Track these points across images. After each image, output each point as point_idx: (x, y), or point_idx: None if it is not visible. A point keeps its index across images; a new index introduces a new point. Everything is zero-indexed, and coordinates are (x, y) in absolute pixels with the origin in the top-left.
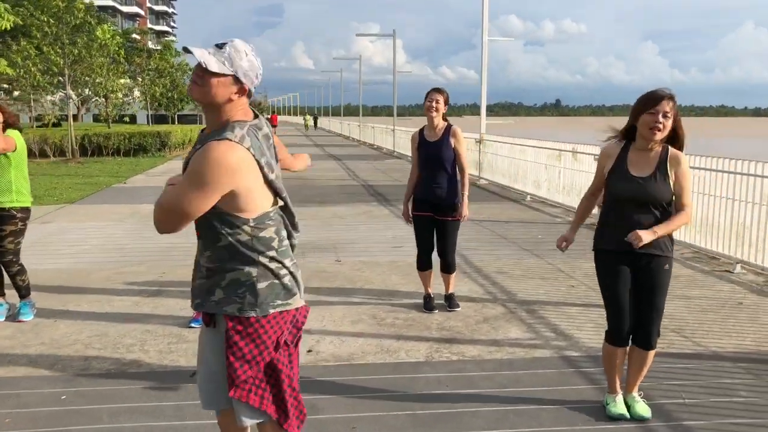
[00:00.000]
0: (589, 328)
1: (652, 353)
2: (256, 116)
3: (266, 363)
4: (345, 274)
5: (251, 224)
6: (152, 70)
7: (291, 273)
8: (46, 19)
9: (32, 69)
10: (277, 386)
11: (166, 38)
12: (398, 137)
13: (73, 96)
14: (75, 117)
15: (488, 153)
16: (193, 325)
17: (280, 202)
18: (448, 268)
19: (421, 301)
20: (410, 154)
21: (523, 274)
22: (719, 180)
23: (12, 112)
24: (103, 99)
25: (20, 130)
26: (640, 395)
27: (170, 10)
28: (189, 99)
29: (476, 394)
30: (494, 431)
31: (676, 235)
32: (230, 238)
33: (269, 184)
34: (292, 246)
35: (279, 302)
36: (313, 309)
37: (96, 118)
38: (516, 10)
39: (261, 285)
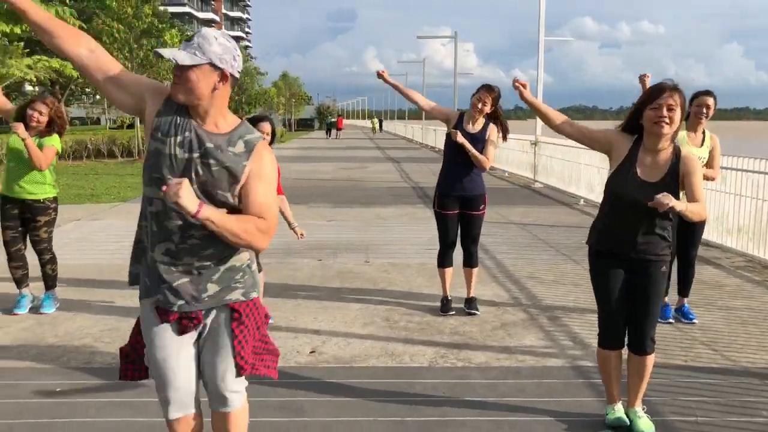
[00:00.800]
0: None
1: (649, 359)
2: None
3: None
4: (369, 275)
5: None
6: None
7: None
8: (116, 26)
9: None
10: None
11: (240, 43)
12: None
13: None
14: None
15: (543, 155)
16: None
17: None
18: (471, 261)
19: (440, 304)
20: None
21: (556, 279)
22: None
23: (64, 118)
24: None
25: (60, 136)
26: (643, 410)
27: (245, 16)
28: (257, 102)
29: (473, 403)
30: None
31: (726, 242)
32: None
33: None
34: None
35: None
36: (327, 309)
37: None
38: (590, 12)
39: (253, 267)
